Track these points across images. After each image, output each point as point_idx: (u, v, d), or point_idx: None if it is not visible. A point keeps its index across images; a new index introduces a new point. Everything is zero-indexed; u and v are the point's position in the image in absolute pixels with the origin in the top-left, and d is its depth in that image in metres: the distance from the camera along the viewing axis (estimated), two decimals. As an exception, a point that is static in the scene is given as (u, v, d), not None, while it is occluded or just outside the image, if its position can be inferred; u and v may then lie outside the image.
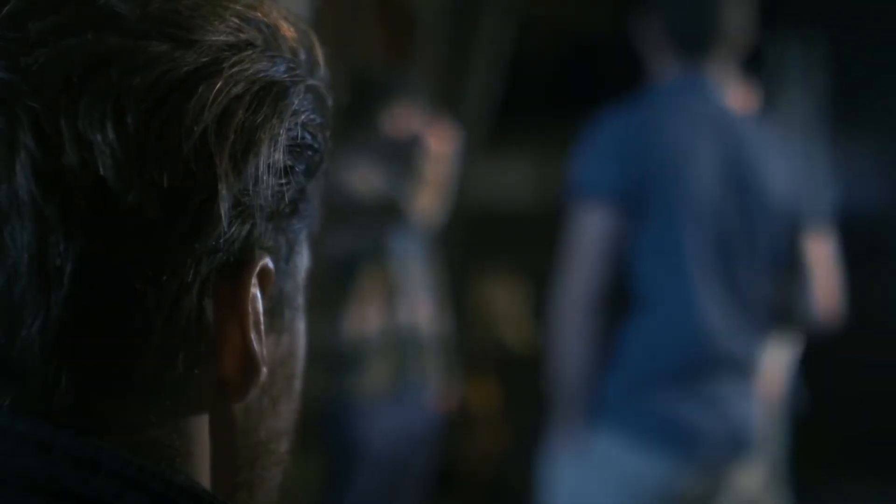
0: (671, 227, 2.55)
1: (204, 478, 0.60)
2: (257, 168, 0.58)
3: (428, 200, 3.96)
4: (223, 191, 0.57)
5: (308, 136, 0.62)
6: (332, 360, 3.82)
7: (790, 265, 2.72)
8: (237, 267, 0.59)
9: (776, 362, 3.95)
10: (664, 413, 2.52)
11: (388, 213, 3.92)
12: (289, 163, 0.61)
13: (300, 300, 0.67)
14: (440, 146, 4.00)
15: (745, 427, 2.60)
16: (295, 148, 0.61)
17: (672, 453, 2.50)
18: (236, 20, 0.60)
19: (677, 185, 2.55)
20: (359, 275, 3.84)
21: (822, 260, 2.80)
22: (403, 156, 3.98)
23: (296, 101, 0.61)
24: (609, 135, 2.66)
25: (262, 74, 0.59)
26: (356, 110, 3.99)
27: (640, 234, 2.55)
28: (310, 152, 0.63)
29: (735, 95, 2.75)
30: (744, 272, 2.61)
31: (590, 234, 2.57)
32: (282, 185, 0.60)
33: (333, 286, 3.83)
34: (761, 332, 2.68)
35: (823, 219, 2.83)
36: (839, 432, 7.88)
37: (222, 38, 0.58)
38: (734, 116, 2.70)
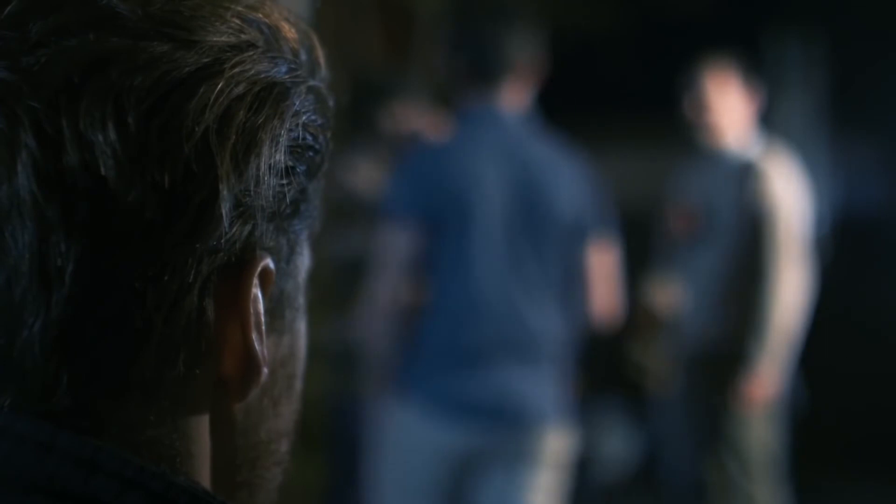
0: (459, 239, 3.01)
1: (204, 478, 0.60)
2: (258, 168, 0.58)
3: None
4: (224, 191, 0.57)
5: (309, 137, 0.62)
6: (341, 358, 3.82)
7: (575, 271, 3.18)
8: (238, 267, 0.59)
9: (772, 364, 3.96)
10: (448, 389, 3.02)
11: None
12: (290, 163, 0.61)
13: (301, 301, 0.67)
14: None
15: (527, 402, 3.07)
16: (296, 149, 0.61)
17: (454, 423, 3.02)
18: (238, 21, 0.60)
19: (466, 204, 3.00)
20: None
21: (602, 267, 3.23)
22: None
23: (297, 102, 0.61)
24: (411, 163, 3.11)
25: (263, 75, 0.59)
26: (356, 111, 4.00)
27: (436, 245, 3.02)
28: (311, 153, 0.63)
29: (523, 117, 3.18)
30: (532, 275, 3.07)
31: (392, 249, 3.02)
32: (283, 185, 0.60)
33: (342, 285, 3.84)
34: (553, 326, 3.12)
35: (605, 230, 3.25)
36: (840, 433, 7.87)
37: (223, 38, 0.58)
38: (523, 139, 3.11)
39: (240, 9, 0.60)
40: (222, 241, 0.57)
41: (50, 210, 0.54)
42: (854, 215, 8.45)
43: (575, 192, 3.14)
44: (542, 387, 3.10)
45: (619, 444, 6.46)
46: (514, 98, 3.12)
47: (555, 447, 3.13)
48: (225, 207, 0.57)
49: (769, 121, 4.51)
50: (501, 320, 3.03)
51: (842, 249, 6.17)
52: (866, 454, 7.62)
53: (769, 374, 3.95)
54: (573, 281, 3.17)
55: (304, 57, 0.63)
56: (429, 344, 3.04)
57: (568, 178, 3.12)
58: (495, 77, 3.08)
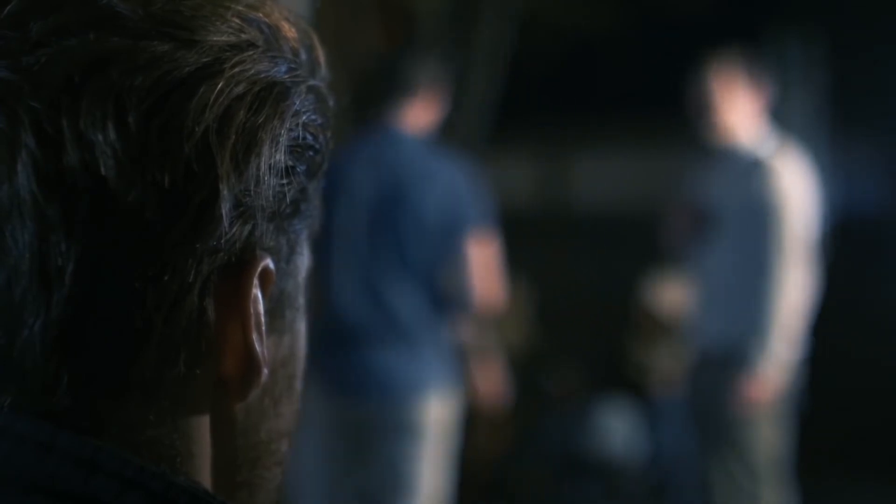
0: (327, 238, 3.43)
1: (204, 478, 0.60)
2: (258, 168, 0.58)
3: None
4: (224, 191, 0.57)
5: (309, 137, 0.62)
6: None
7: (453, 263, 3.56)
8: (238, 267, 0.59)
9: (775, 365, 3.95)
10: (331, 368, 3.50)
11: None
12: (290, 163, 0.61)
13: (301, 301, 0.67)
14: None
15: (395, 377, 3.51)
16: (296, 148, 0.61)
17: (340, 397, 3.50)
18: (238, 20, 0.60)
19: (334, 209, 3.44)
20: None
21: (481, 259, 3.60)
22: None
23: (297, 102, 0.61)
24: None
25: (263, 75, 0.59)
26: (357, 111, 4.01)
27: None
28: (311, 153, 0.63)
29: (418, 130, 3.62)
30: (395, 267, 3.51)
31: None
32: (283, 185, 0.60)
33: None
34: (421, 311, 3.53)
35: (484, 227, 3.64)
36: (841, 433, 7.87)
37: (224, 38, 0.58)
38: (404, 153, 3.56)
39: (240, 8, 0.60)
40: (222, 241, 0.57)
41: (50, 210, 0.54)
42: (854, 215, 8.45)
43: (448, 197, 3.57)
44: (415, 364, 3.54)
45: (622, 445, 6.47)
46: (413, 118, 3.58)
47: (433, 417, 3.54)
48: (225, 207, 0.57)
49: (769, 120, 4.51)
50: (365, 307, 3.51)
51: (842, 249, 6.17)
52: (867, 454, 7.61)
53: (773, 375, 3.94)
54: (450, 272, 3.59)
55: (304, 56, 0.63)
56: (318, 331, 3.46)
57: (442, 185, 3.55)
58: (388, 101, 3.56)
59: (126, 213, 0.55)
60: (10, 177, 0.54)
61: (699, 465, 4.13)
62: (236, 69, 0.58)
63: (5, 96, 0.55)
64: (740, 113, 4.04)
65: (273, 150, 0.59)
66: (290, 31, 0.63)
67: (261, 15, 0.61)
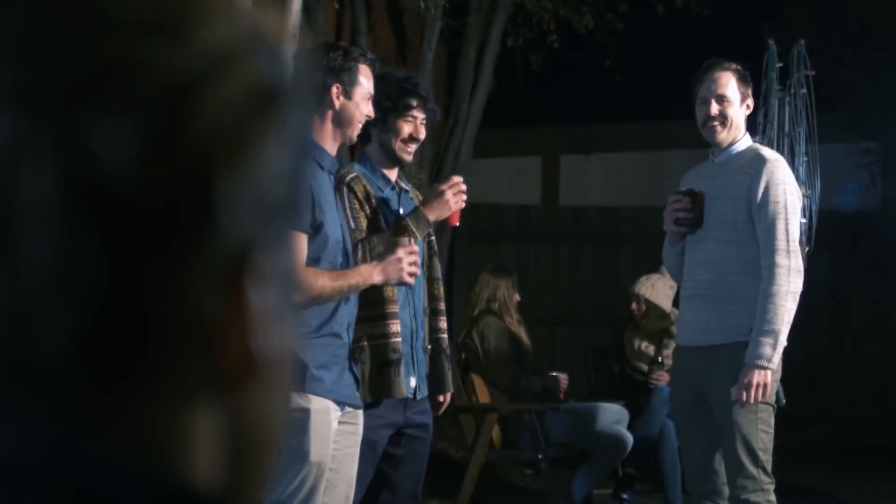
0: None
1: (202, 474, 0.61)
2: (258, 172, 0.59)
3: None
4: (225, 193, 0.58)
5: (300, 132, 0.63)
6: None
7: None
8: (237, 266, 0.60)
9: (772, 354, 4.06)
10: None
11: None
12: (285, 161, 0.62)
13: (291, 292, 0.67)
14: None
15: None
16: (290, 146, 0.62)
17: None
18: (229, 18, 0.60)
19: None
20: None
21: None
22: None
23: (289, 98, 0.62)
24: None
25: (256, 75, 0.60)
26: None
27: None
28: (302, 146, 0.64)
29: None
30: None
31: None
32: (278, 184, 0.61)
33: None
34: None
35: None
36: (839, 432, 7.87)
37: (217, 37, 0.59)
38: None
39: (230, 5, 0.61)
40: (222, 241, 0.58)
41: (56, 217, 0.55)
42: (844, 216, 8.49)
43: None
44: None
45: (621, 440, 6.47)
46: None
47: None
48: (225, 209, 0.58)
49: (761, 122, 4.59)
50: None
51: (832, 247, 6.19)
52: (865, 454, 7.61)
53: (772, 365, 4.05)
54: None
55: (291, 49, 0.64)
56: None
57: None
58: None
59: (131, 218, 0.56)
60: (17, 186, 0.55)
61: (702, 456, 4.23)
62: (232, 71, 0.59)
63: (4, 103, 0.55)
64: (731, 114, 4.20)
65: (270, 151, 0.60)
66: (277, 26, 0.64)
67: (249, 11, 0.62)
